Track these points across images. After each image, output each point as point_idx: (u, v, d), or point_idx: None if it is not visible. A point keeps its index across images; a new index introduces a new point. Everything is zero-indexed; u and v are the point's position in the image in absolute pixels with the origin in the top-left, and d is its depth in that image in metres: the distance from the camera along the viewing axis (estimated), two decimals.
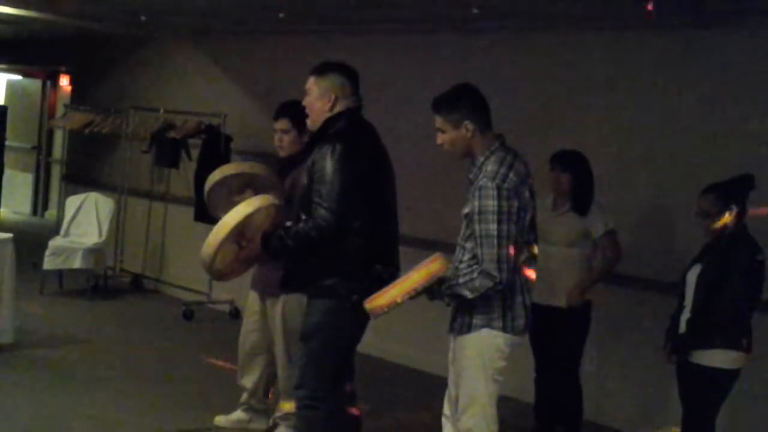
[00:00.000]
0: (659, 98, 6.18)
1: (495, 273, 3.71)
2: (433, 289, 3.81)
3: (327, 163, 4.17)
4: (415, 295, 3.79)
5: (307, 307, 4.43)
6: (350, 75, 4.42)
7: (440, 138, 3.94)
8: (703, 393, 4.59)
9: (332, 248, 4.18)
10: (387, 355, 7.36)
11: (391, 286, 3.79)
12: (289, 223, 4.31)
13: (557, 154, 5.51)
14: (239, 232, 4.36)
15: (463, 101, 3.90)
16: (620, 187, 6.16)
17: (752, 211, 4.89)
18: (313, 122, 4.41)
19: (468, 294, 3.76)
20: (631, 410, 6.18)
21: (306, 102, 4.42)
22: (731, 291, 4.48)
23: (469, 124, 3.86)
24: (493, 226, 3.71)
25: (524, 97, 6.79)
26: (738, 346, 4.52)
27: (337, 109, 4.35)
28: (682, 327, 4.62)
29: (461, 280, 3.77)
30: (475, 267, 3.76)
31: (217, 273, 4.51)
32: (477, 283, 3.74)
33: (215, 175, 5.18)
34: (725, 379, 4.55)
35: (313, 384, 4.35)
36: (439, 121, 3.93)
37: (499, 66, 6.93)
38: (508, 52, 6.97)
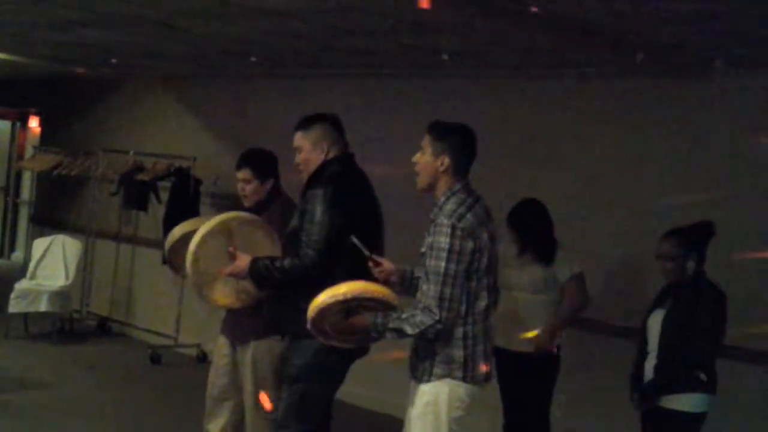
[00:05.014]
0: (625, 146, 6.27)
1: (435, 310, 3.67)
2: (377, 323, 3.77)
3: (317, 205, 4.26)
4: (343, 301, 3.78)
5: (291, 349, 4.44)
6: (333, 122, 4.52)
7: (417, 157, 3.92)
8: None
9: (321, 288, 4.19)
10: (355, 400, 7.31)
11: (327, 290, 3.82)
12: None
13: (511, 211, 5.52)
14: (228, 234, 4.47)
15: (455, 137, 3.89)
16: (585, 233, 6.22)
17: None
18: (310, 174, 4.47)
19: (408, 329, 3.71)
20: None
21: (300, 158, 4.49)
22: (699, 335, 4.52)
23: (446, 159, 3.85)
24: (442, 264, 3.69)
25: (492, 140, 6.82)
26: (705, 388, 4.56)
27: (330, 155, 4.44)
28: (648, 374, 4.64)
29: (404, 315, 3.74)
30: (419, 304, 3.74)
31: (200, 279, 4.51)
32: (418, 318, 3.70)
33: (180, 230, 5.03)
34: (694, 422, 4.57)
35: (297, 425, 4.36)
36: (425, 140, 3.91)
37: (471, 110, 6.97)
38: (478, 97, 7.03)
